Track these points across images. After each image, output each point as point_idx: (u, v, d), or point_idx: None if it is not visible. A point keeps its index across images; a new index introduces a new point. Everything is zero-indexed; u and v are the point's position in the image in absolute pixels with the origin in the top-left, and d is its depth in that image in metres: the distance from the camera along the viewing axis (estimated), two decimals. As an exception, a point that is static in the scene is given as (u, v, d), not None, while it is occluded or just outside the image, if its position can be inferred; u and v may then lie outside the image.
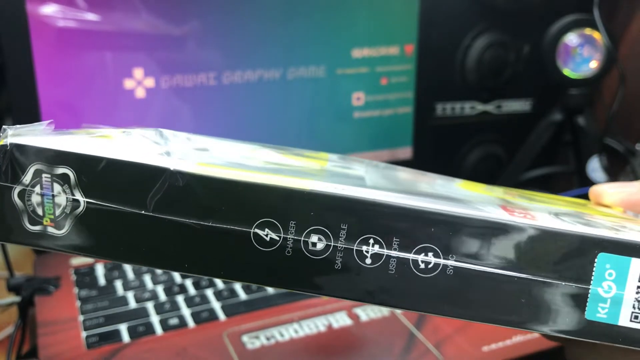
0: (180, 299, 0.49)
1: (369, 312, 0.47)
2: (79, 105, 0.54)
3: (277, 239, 0.20)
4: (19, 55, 0.51)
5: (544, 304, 0.19)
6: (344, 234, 0.20)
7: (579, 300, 0.19)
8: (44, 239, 0.20)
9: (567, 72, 0.70)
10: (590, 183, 0.72)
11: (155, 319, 0.46)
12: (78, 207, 0.20)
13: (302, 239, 0.20)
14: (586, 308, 0.19)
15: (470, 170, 0.75)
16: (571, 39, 0.70)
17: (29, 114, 0.52)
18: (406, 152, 0.67)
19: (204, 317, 0.46)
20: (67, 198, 0.20)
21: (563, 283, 0.19)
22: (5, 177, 0.20)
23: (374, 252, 0.20)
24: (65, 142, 0.20)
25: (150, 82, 0.55)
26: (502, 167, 0.77)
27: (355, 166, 0.27)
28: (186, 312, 0.47)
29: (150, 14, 0.54)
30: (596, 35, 0.69)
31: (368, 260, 0.20)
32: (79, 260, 0.54)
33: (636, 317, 0.19)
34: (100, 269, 0.53)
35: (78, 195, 0.20)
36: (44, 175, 0.20)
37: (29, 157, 0.20)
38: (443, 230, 0.20)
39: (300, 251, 0.20)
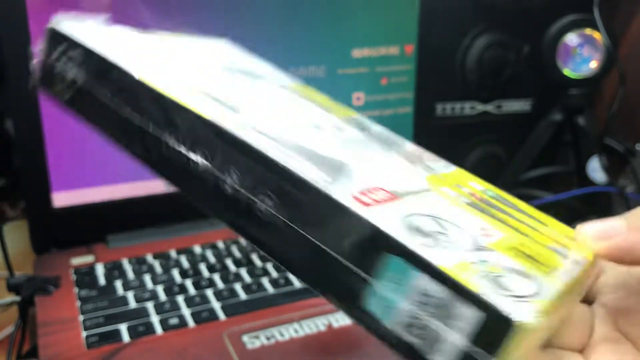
0: (180, 298, 0.49)
1: (369, 312, 0.47)
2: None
3: (178, 149, 0.24)
4: (18, 55, 0.51)
5: (336, 278, 0.20)
6: (217, 159, 0.23)
7: (361, 288, 0.20)
8: (55, 96, 0.28)
9: (567, 72, 0.70)
10: (590, 183, 0.72)
11: (155, 319, 0.46)
12: (78, 83, 0.26)
13: (187, 154, 0.23)
14: (365, 297, 0.20)
15: (470, 170, 0.75)
16: (571, 39, 0.70)
17: (29, 114, 0.52)
18: (406, 152, 0.67)
19: (204, 317, 0.46)
20: (74, 74, 0.26)
21: (353, 267, 0.20)
22: (45, 52, 0.28)
23: (232, 184, 0.22)
24: (85, 34, 0.27)
25: (150, 82, 0.55)
26: (502, 167, 0.77)
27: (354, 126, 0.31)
28: (186, 312, 0.47)
29: (150, 14, 0.54)
30: (596, 35, 0.69)
31: (229, 190, 0.22)
32: (79, 260, 0.54)
33: (402, 325, 0.19)
34: (100, 269, 0.53)
35: (81, 74, 0.26)
36: (65, 54, 0.27)
37: (58, 39, 0.27)
38: (278, 180, 0.21)
39: (187, 163, 0.24)
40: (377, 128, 0.33)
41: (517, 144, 0.75)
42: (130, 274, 0.52)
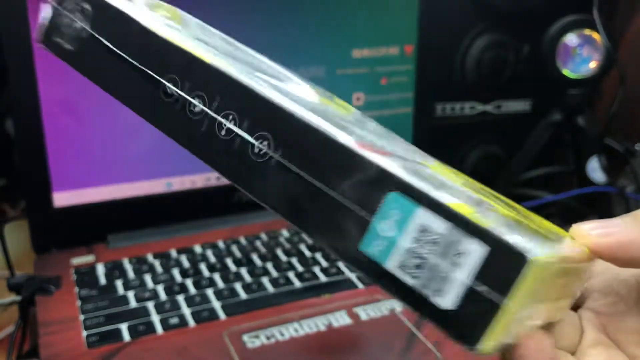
0: (180, 298, 0.49)
1: (369, 312, 0.47)
2: (79, 105, 0.54)
3: (175, 94, 0.24)
4: (19, 55, 0.51)
5: (332, 219, 0.20)
6: (215, 104, 0.23)
7: (360, 228, 0.19)
8: (58, 49, 0.28)
9: (566, 72, 0.70)
10: (590, 183, 0.72)
11: (155, 319, 0.46)
12: (85, 34, 0.27)
13: (188, 98, 0.24)
14: (364, 238, 0.19)
15: (470, 170, 0.75)
16: (571, 39, 0.70)
17: (29, 114, 0.52)
18: (406, 152, 0.67)
19: (205, 316, 0.46)
20: (82, 26, 0.27)
21: (352, 206, 0.19)
22: (55, 4, 0.28)
23: (229, 127, 0.23)
24: None
25: (150, 82, 0.55)
26: (502, 167, 0.77)
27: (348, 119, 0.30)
28: (186, 311, 0.47)
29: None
30: (596, 35, 0.69)
31: (223, 132, 0.23)
32: (79, 260, 0.54)
33: (402, 266, 0.18)
34: (100, 269, 0.53)
35: (88, 27, 0.27)
36: (76, 6, 0.28)
37: None
38: (279, 123, 0.21)
39: (184, 108, 0.24)
40: (373, 124, 0.34)
41: (516, 144, 0.75)
42: (131, 274, 0.52)
